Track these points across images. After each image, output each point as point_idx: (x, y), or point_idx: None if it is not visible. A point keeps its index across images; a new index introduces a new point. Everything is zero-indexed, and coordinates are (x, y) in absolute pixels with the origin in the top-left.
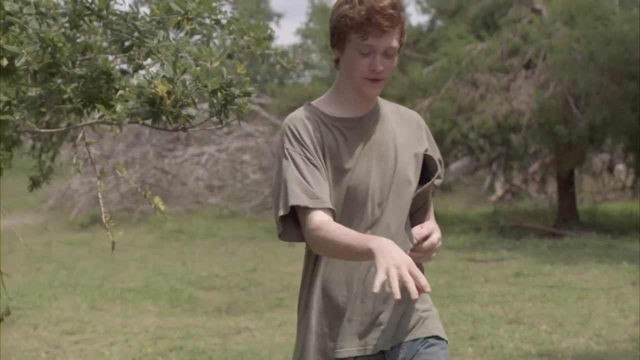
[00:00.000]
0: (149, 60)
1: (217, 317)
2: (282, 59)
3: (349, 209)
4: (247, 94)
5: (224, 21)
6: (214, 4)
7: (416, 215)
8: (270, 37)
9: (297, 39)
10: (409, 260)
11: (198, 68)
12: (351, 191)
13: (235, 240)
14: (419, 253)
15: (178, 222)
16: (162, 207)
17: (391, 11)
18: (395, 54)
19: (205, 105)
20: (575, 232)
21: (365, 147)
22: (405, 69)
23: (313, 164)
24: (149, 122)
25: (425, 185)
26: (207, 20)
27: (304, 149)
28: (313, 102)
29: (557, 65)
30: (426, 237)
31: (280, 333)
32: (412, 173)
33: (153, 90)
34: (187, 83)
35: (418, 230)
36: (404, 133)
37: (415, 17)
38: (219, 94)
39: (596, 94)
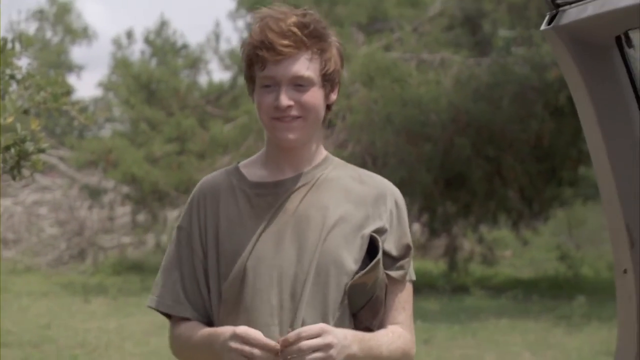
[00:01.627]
0: None
1: None
2: (80, 115)
3: (248, 301)
4: (42, 151)
5: (19, 76)
6: (10, 59)
7: (360, 315)
8: (68, 93)
9: (98, 92)
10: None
11: None
12: (249, 275)
13: (29, 296)
14: None
15: None
16: None
17: (293, 29)
18: (311, 87)
19: None
20: None
21: (276, 219)
22: (207, 125)
23: (194, 252)
24: None
25: (360, 274)
26: (3, 75)
27: (192, 228)
28: (241, 163)
29: (355, 126)
30: (291, 343)
31: None
32: (349, 257)
33: None
34: None
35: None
36: (347, 206)
37: (218, 73)
38: (12, 150)
39: (393, 155)
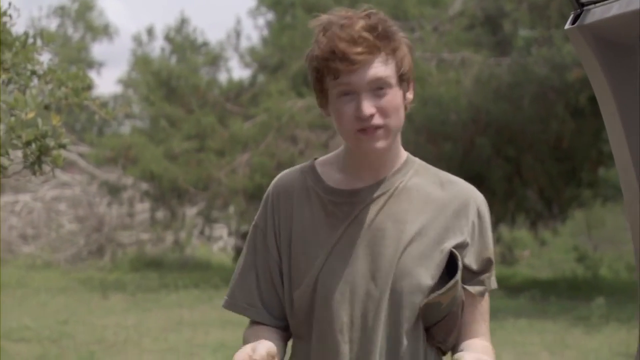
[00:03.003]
0: None
1: None
2: (101, 110)
3: (319, 314)
4: (63, 146)
5: (41, 71)
6: (31, 54)
7: (433, 331)
8: (89, 87)
9: (118, 89)
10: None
11: (13, 118)
12: (321, 289)
13: (47, 291)
14: None
15: None
16: None
17: (363, 34)
18: (389, 89)
19: (20, 153)
20: None
21: (350, 232)
22: (226, 122)
23: (269, 253)
24: None
25: (436, 293)
26: (24, 70)
27: (267, 228)
28: (318, 160)
29: None
30: None
31: None
32: (426, 274)
33: None
34: (1, 133)
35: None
36: (428, 217)
37: (238, 71)
38: (34, 145)
39: (413, 154)
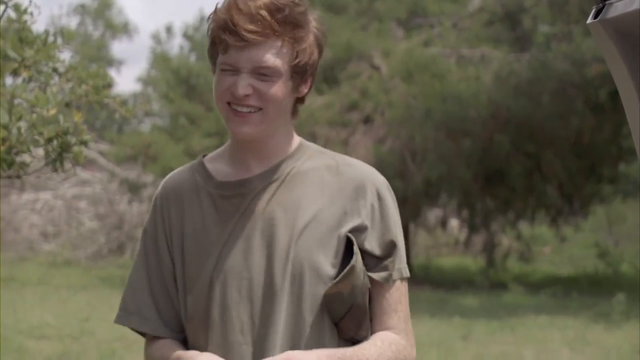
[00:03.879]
0: None
1: None
2: (121, 108)
3: (216, 317)
4: (84, 143)
5: (61, 69)
6: (52, 52)
7: (342, 325)
8: (109, 85)
9: (137, 87)
10: None
11: (34, 115)
12: (216, 290)
13: (68, 289)
14: None
15: (10, 269)
16: None
17: (262, 12)
18: (276, 78)
19: (41, 151)
20: (409, 286)
21: (242, 224)
22: None
23: (162, 260)
24: None
25: (334, 282)
26: (45, 68)
27: (157, 233)
28: (207, 156)
29: (394, 121)
30: None
31: None
32: (326, 261)
33: None
34: (23, 130)
35: None
36: (321, 202)
37: None
38: (55, 142)
39: (432, 150)
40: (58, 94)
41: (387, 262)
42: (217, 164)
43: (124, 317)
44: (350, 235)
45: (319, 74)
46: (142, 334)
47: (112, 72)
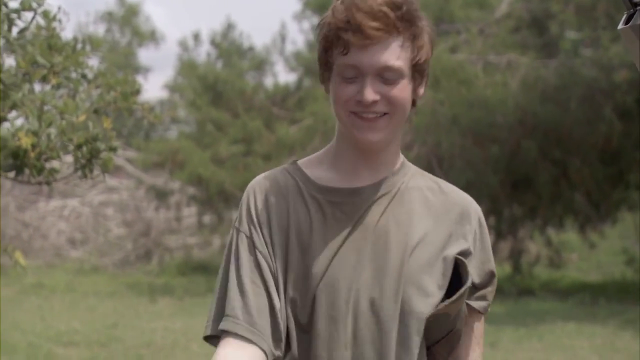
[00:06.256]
0: (13, 113)
1: None
2: (149, 114)
3: (320, 328)
4: (113, 149)
5: (90, 75)
6: (81, 58)
7: (435, 349)
8: (138, 92)
9: (164, 94)
10: None
11: (64, 121)
12: (322, 301)
13: (96, 295)
14: None
15: (38, 275)
16: (22, 262)
17: (384, 9)
18: (401, 79)
19: (69, 158)
20: None
21: (354, 234)
22: (272, 127)
23: (261, 257)
24: (11, 174)
25: (446, 302)
26: (74, 74)
27: (255, 233)
28: (300, 161)
29: (421, 127)
30: None
31: None
32: (432, 282)
33: (17, 143)
34: (52, 136)
35: None
36: (430, 222)
37: (283, 75)
38: (84, 148)
39: (459, 156)
40: (87, 100)
41: (484, 291)
42: (316, 170)
43: (212, 327)
44: (460, 257)
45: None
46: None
47: (139, 79)
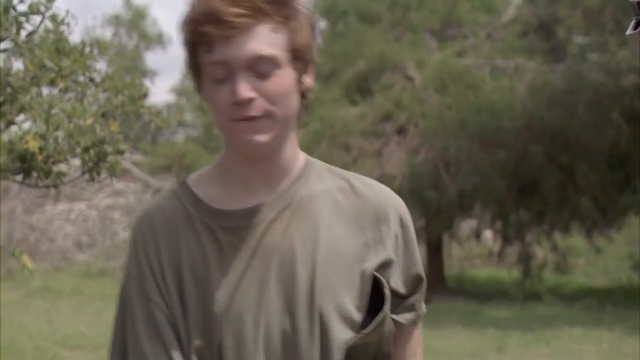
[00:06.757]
0: (21, 116)
1: None
2: (156, 118)
3: None
4: (120, 152)
5: (98, 79)
6: (89, 62)
7: None
8: (145, 95)
9: (171, 97)
10: None
11: (71, 125)
12: (228, 343)
13: (102, 299)
14: None
15: (45, 279)
16: (29, 265)
17: None
18: (277, 69)
19: (76, 161)
20: (442, 297)
21: (254, 261)
22: None
23: (156, 308)
24: (19, 177)
25: (361, 334)
26: (82, 78)
27: (146, 280)
28: (191, 178)
29: (428, 132)
30: None
31: None
32: (350, 303)
33: (24, 146)
34: (60, 139)
35: None
36: (341, 230)
37: None
38: (92, 151)
39: (466, 161)
40: (94, 104)
41: (412, 299)
42: (208, 189)
43: None
44: (378, 275)
45: (352, 85)
46: None
47: (146, 83)
